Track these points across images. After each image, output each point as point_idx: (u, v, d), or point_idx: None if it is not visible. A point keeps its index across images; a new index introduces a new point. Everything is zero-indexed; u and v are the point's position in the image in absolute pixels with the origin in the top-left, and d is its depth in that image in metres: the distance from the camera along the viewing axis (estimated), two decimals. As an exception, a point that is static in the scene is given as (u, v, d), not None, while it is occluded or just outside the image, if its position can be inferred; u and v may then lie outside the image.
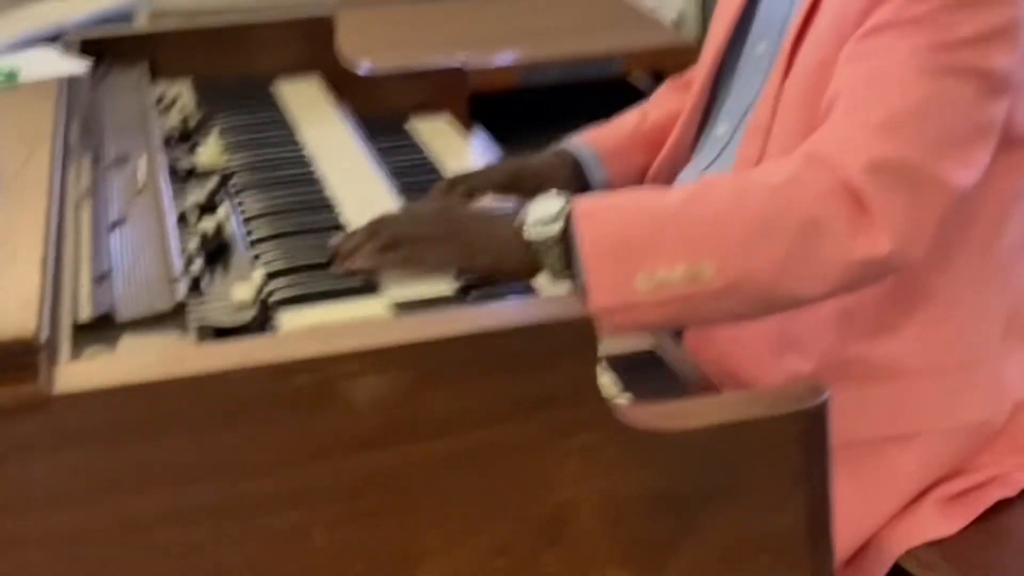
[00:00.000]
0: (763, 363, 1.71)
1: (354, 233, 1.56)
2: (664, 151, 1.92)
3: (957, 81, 1.55)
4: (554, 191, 1.55)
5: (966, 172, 1.56)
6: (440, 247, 1.52)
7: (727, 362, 1.73)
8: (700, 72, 1.89)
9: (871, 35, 1.58)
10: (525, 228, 1.51)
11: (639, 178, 1.95)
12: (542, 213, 1.51)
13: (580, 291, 1.48)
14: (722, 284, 1.47)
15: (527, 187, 1.86)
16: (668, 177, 1.89)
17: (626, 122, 2.03)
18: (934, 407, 1.69)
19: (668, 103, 2.02)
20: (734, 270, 1.47)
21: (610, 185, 1.94)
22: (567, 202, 1.51)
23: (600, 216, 1.50)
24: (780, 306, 1.56)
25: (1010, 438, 1.73)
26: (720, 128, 1.83)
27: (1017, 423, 1.73)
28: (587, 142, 1.98)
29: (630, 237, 1.48)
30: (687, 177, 1.83)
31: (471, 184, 1.85)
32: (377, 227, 1.54)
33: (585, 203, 1.51)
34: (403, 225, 1.55)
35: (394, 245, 1.52)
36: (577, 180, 1.93)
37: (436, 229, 1.54)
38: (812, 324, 1.68)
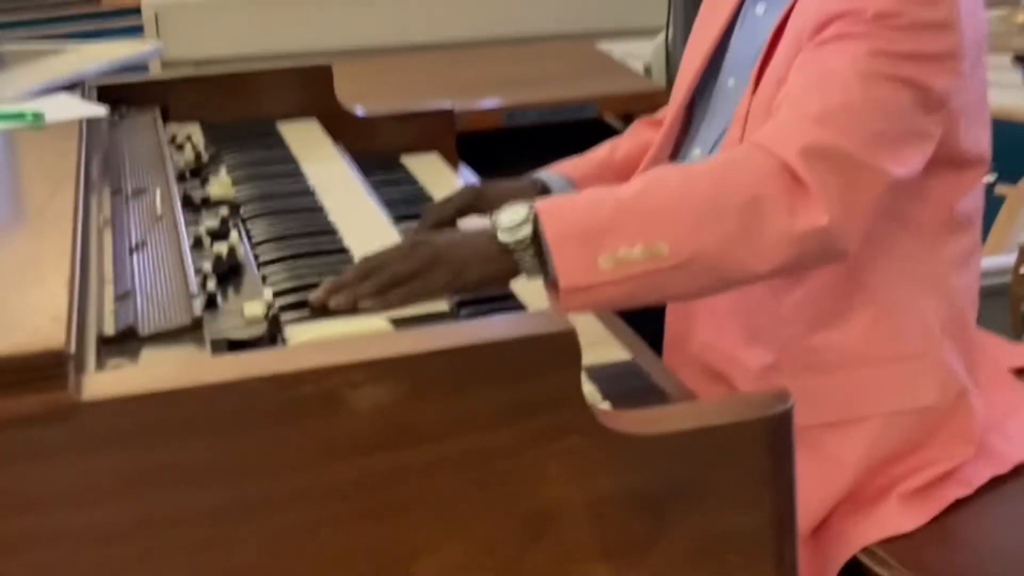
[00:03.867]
0: (735, 355, 1.74)
1: (345, 276, 1.51)
2: (640, 171, 1.93)
3: (893, 87, 1.57)
4: (516, 201, 1.56)
5: (899, 166, 1.58)
6: (432, 275, 1.51)
7: (704, 357, 1.76)
8: (674, 101, 1.92)
9: (818, 47, 1.62)
10: (499, 234, 1.52)
11: None
12: (510, 220, 1.52)
13: (552, 282, 1.50)
14: (677, 260, 1.49)
15: (490, 207, 1.87)
16: None
17: (596, 154, 2.04)
18: (883, 393, 1.71)
19: (638, 137, 2.04)
20: (687, 247, 1.50)
21: None
22: (530, 207, 1.52)
23: (561, 210, 1.52)
24: (733, 280, 1.57)
25: (957, 427, 1.75)
26: (695, 151, 1.85)
27: (961, 411, 1.75)
28: (558, 171, 1.98)
29: (591, 224, 1.50)
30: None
31: (440, 210, 1.86)
32: (368, 270, 1.51)
33: (545, 202, 1.53)
34: (392, 264, 1.51)
35: (392, 285, 1.49)
36: None
37: (422, 260, 1.51)
38: (774, 318, 1.71)
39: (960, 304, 1.77)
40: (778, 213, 1.51)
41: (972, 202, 1.76)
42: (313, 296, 1.50)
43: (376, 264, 1.51)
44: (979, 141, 1.74)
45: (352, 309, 1.47)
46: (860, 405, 1.71)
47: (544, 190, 1.93)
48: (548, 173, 1.97)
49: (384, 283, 1.49)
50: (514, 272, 1.54)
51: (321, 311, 1.48)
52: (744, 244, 1.51)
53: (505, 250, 1.52)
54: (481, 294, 1.61)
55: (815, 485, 1.66)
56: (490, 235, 1.53)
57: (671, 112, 1.91)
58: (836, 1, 1.61)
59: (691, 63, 1.90)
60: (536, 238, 1.51)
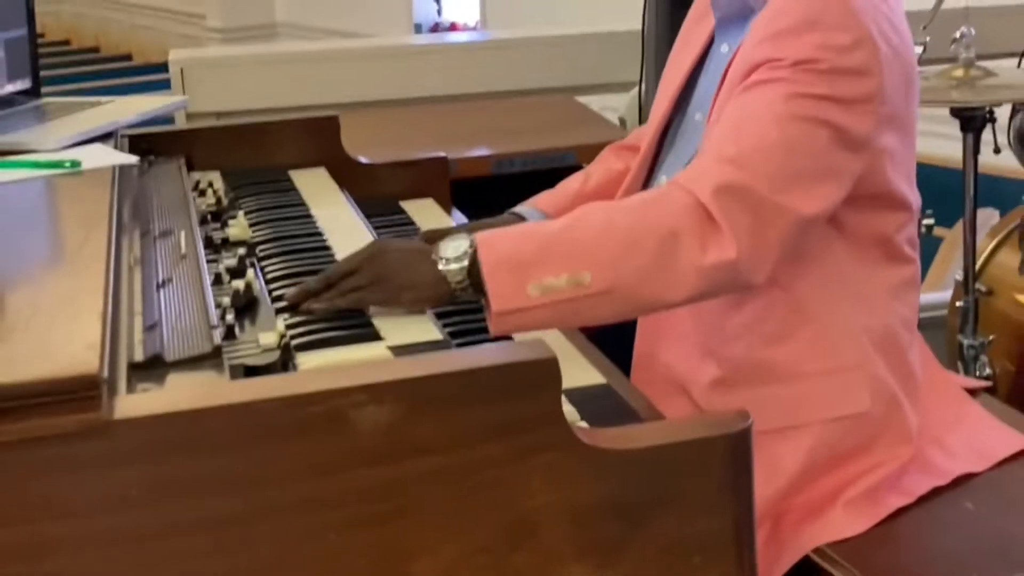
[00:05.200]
0: (691, 370, 1.75)
1: (313, 281, 1.58)
2: (616, 198, 1.94)
3: (809, 127, 1.58)
4: (462, 233, 1.58)
5: (813, 203, 1.59)
6: (375, 291, 1.55)
7: (667, 373, 1.77)
8: (648, 134, 1.93)
9: (742, 92, 1.63)
10: (439, 264, 1.55)
11: None
12: (452, 252, 1.55)
13: (488, 306, 1.52)
14: (599, 288, 1.51)
15: None
16: None
17: (570, 184, 2.05)
18: (821, 402, 1.72)
19: (609, 164, 2.05)
20: (608, 277, 1.52)
21: None
22: (471, 240, 1.55)
23: (496, 242, 1.54)
24: (650, 306, 1.60)
25: (894, 431, 1.75)
26: (662, 178, 1.87)
27: (896, 417, 1.75)
28: (535, 205, 1.99)
29: (521, 255, 1.53)
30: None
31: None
32: (328, 278, 1.57)
33: (484, 234, 1.56)
34: (347, 275, 1.57)
35: (341, 294, 1.55)
36: None
37: (369, 278, 1.56)
38: (725, 337, 1.72)
39: (893, 327, 1.77)
40: (690, 247, 1.52)
41: (908, 242, 1.78)
42: (288, 294, 1.57)
43: (334, 274, 1.57)
44: (910, 189, 1.75)
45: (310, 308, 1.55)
46: (800, 413, 1.71)
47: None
48: (525, 208, 1.99)
49: (335, 294, 1.55)
50: (447, 300, 1.57)
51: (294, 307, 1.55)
52: (659, 275, 1.53)
53: (443, 279, 1.54)
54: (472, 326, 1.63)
55: (758, 487, 1.66)
56: (433, 264, 1.56)
57: (646, 141, 1.93)
58: (759, 50, 1.62)
59: (663, 96, 1.91)
60: (473, 267, 1.53)
